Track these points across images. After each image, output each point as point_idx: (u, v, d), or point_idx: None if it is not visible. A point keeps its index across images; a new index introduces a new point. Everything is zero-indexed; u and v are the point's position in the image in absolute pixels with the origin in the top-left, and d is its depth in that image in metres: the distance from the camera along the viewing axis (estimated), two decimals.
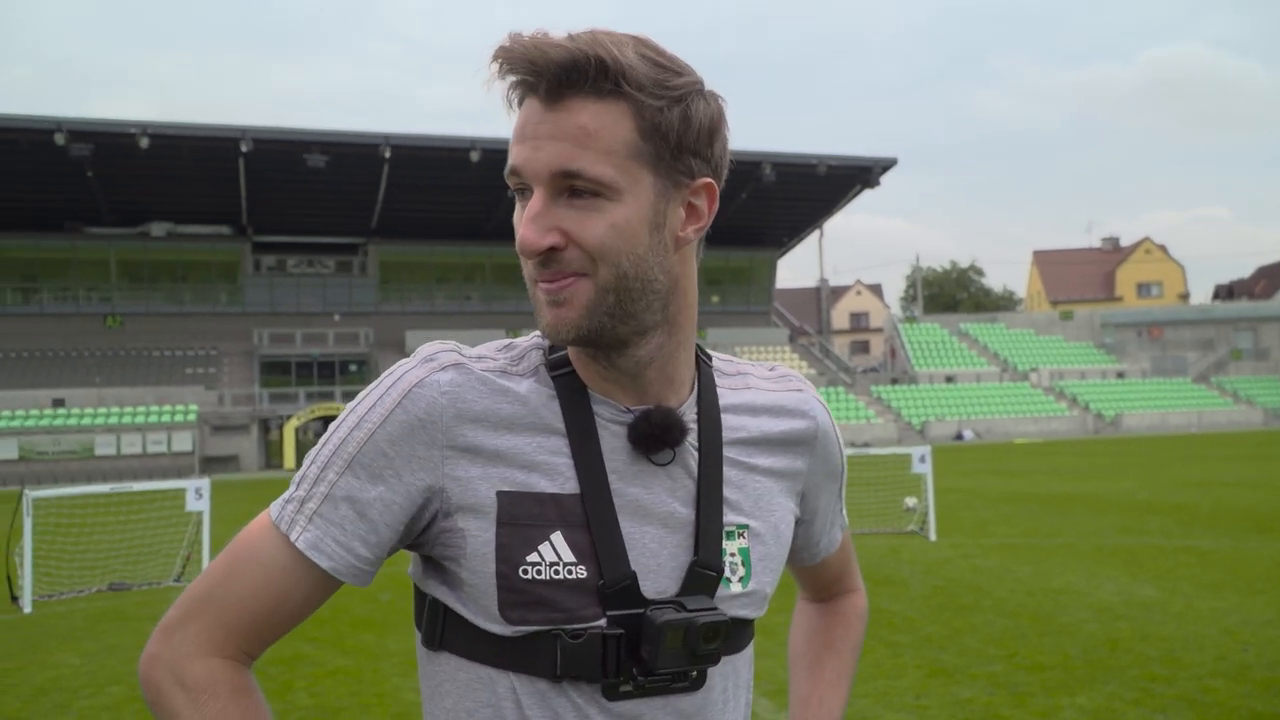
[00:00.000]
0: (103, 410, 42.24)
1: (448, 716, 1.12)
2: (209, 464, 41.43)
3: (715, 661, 1.09)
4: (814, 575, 1.42)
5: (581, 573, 1.05)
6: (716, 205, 1.11)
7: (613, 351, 1.10)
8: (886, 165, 52.39)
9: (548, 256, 1.04)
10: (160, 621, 1.08)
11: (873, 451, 14.49)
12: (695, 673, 1.09)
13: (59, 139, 40.80)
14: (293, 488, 1.08)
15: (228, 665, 1.06)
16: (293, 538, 1.05)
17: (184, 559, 11.36)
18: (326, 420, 46.53)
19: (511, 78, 1.02)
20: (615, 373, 1.12)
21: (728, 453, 1.16)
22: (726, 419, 1.18)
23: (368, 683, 6.51)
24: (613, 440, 1.10)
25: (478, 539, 1.05)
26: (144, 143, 41.64)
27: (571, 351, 1.12)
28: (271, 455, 45.47)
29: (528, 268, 1.08)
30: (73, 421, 41.12)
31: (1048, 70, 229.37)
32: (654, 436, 1.10)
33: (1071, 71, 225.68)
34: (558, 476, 1.07)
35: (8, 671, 7.26)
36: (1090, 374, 56.44)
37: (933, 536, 12.45)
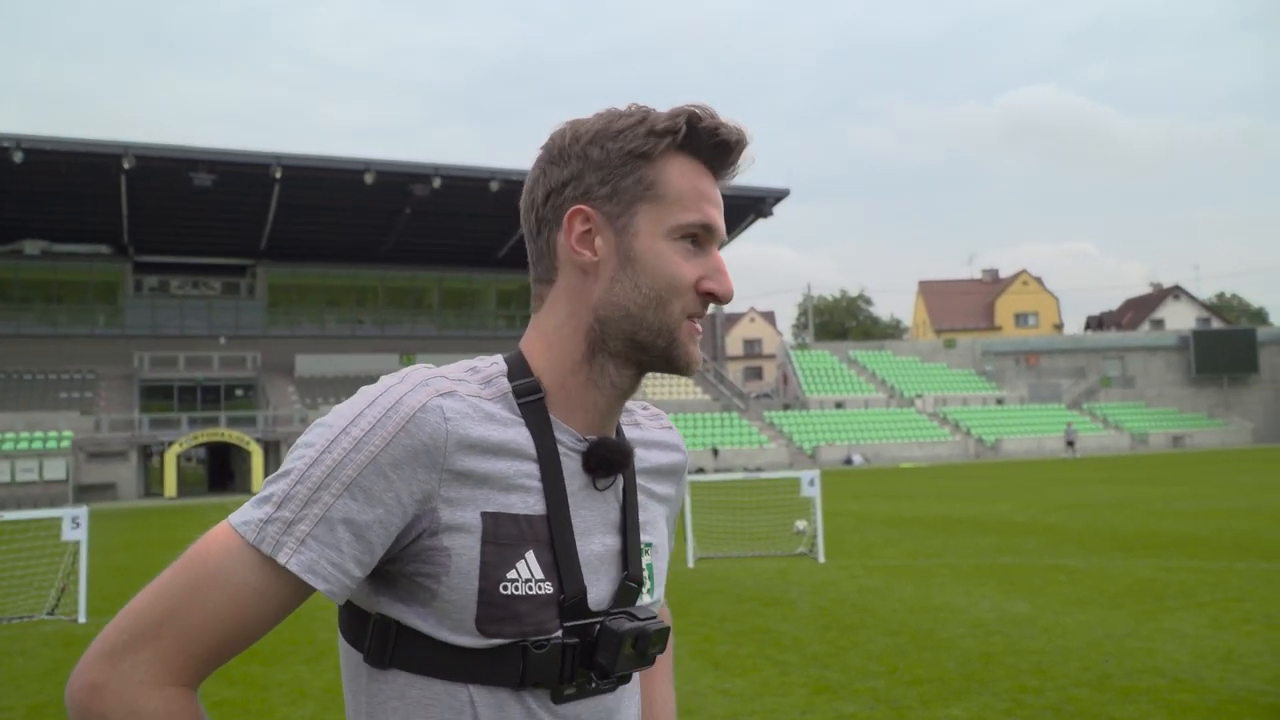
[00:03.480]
0: None
1: None
2: (84, 492, 39.74)
3: (653, 663, 1.21)
4: None
5: (548, 588, 1.14)
6: None
7: (642, 377, 1.25)
8: (779, 195, 53.47)
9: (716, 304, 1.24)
10: (98, 647, 1.03)
11: (763, 475, 14.74)
12: (620, 676, 1.20)
13: None
14: (272, 507, 1.06)
15: (183, 694, 1.04)
16: (281, 560, 1.04)
17: (59, 590, 10.91)
18: (211, 447, 45.16)
19: (732, 155, 1.24)
20: (619, 400, 1.24)
21: (638, 480, 1.30)
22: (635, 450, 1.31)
23: (255, 714, 6.39)
24: (569, 465, 1.20)
25: (463, 556, 1.10)
26: (17, 157, 39.94)
27: (579, 373, 1.22)
28: (151, 483, 43.90)
29: (685, 307, 1.21)
30: None
31: (918, 110, 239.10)
32: (607, 463, 1.22)
33: (938, 112, 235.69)
34: (529, 499, 1.15)
35: None
36: (972, 400, 58.40)
37: (821, 558, 12.73)
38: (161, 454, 42.89)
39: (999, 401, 58.75)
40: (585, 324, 1.21)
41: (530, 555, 1.14)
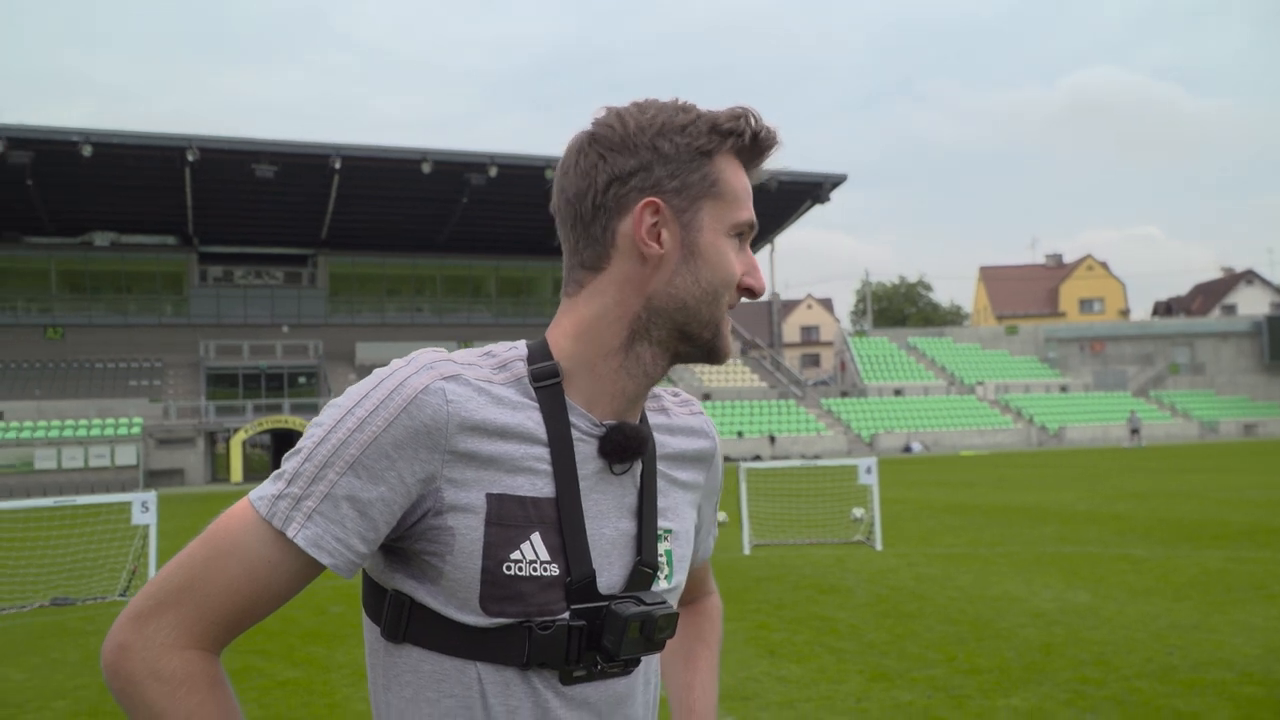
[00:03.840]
0: (43, 423, 41.37)
1: (407, 706, 1.18)
2: (153, 478, 40.75)
3: (662, 648, 1.22)
4: (687, 578, 1.56)
5: (553, 570, 1.16)
6: None
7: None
8: (836, 181, 52.99)
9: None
10: (128, 611, 1.09)
11: (820, 463, 14.65)
12: (628, 659, 1.22)
13: None
14: (283, 484, 1.11)
15: (204, 657, 1.09)
16: (290, 534, 1.09)
17: (130, 573, 11.22)
18: (275, 433, 46.01)
19: (763, 153, 1.28)
20: (647, 386, 1.26)
21: (658, 466, 1.31)
22: (655, 436, 1.32)
23: (318, 694, 6.52)
24: (584, 449, 1.21)
25: (466, 536, 1.13)
26: (86, 151, 40.95)
27: (612, 360, 1.24)
28: (218, 469, 44.84)
29: (729, 301, 1.26)
30: (11, 435, 40.19)
31: (977, 93, 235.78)
32: (623, 449, 1.23)
33: (998, 95, 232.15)
34: (537, 481, 1.17)
35: None
36: (1034, 387, 57.49)
37: (879, 546, 12.65)
38: (227, 440, 43.80)
39: (1062, 389, 57.76)
40: (632, 312, 1.23)
41: (535, 537, 1.16)
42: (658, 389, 1.39)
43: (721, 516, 15.91)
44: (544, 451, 1.18)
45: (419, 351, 1.18)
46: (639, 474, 1.28)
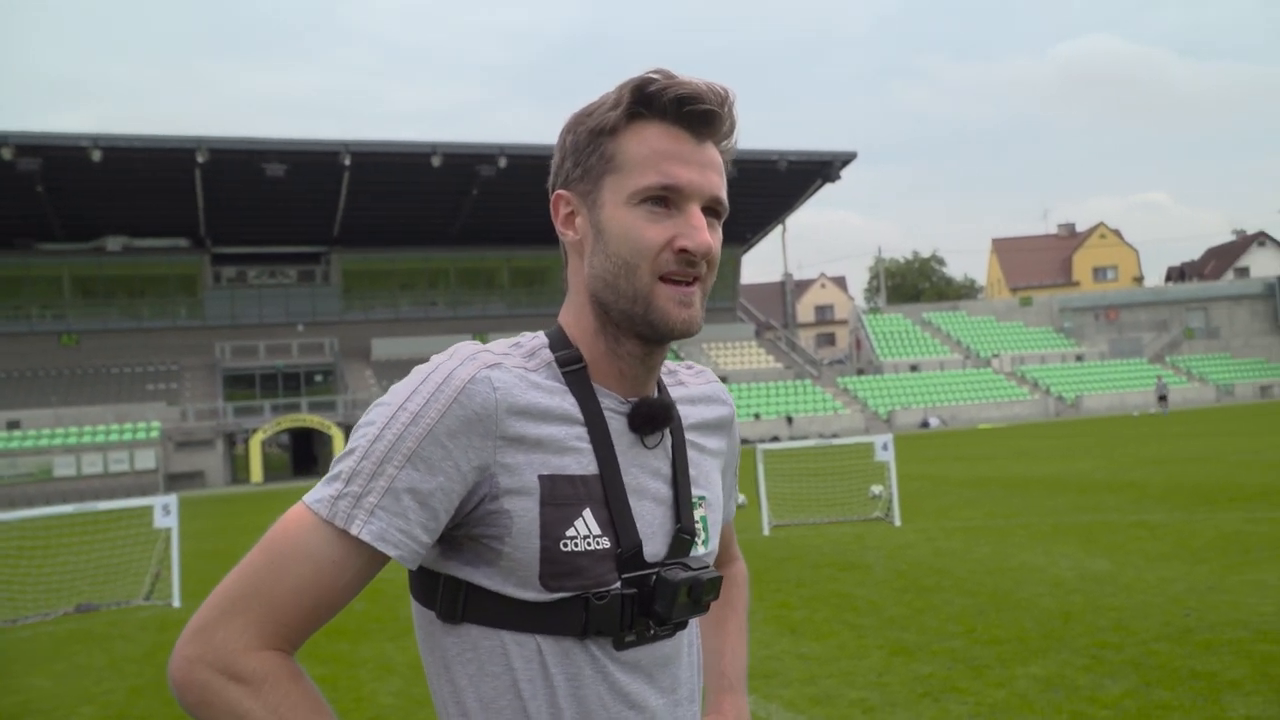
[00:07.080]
0: (60, 431, 41.64)
1: (469, 683, 1.22)
2: (174, 481, 41.00)
3: (708, 610, 1.30)
4: None
5: (605, 543, 1.21)
6: None
7: (664, 345, 1.29)
8: (846, 159, 52.80)
9: (696, 261, 1.23)
10: (191, 625, 1.11)
11: (837, 442, 14.67)
12: (677, 623, 1.28)
13: (5, 153, 40.26)
14: (341, 484, 1.14)
15: (278, 655, 1.12)
16: (354, 531, 1.12)
17: (154, 576, 11.32)
18: (294, 432, 46.26)
19: (696, 108, 1.23)
20: (641, 366, 1.29)
21: (686, 436, 1.36)
22: (680, 408, 1.37)
23: (344, 689, 6.59)
24: (616, 426, 1.27)
25: (524, 518, 1.18)
26: (96, 156, 41.15)
27: (598, 343, 1.28)
28: (238, 470, 45.13)
29: (655, 269, 1.22)
30: (29, 443, 40.40)
31: (967, 68, 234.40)
32: (651, 421, 1.28)
33: (989, 68, 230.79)
34: (582, 459, 1.22)
35: None
36: (1050, 358, 57.23)
37: (897, 522, 12.67)
38: (246, 441, 44.06)
39: (1078, 358, 57.48)
40: (588, 299, 1.29)
41: (587, 513, 1.21)
42: (671, 364, 1.44)
43: (741, 499, 16.02)
44: (582, 431, 1.23)
45: (457, 345, 1.23)
46: (669, 445, 1.33)
